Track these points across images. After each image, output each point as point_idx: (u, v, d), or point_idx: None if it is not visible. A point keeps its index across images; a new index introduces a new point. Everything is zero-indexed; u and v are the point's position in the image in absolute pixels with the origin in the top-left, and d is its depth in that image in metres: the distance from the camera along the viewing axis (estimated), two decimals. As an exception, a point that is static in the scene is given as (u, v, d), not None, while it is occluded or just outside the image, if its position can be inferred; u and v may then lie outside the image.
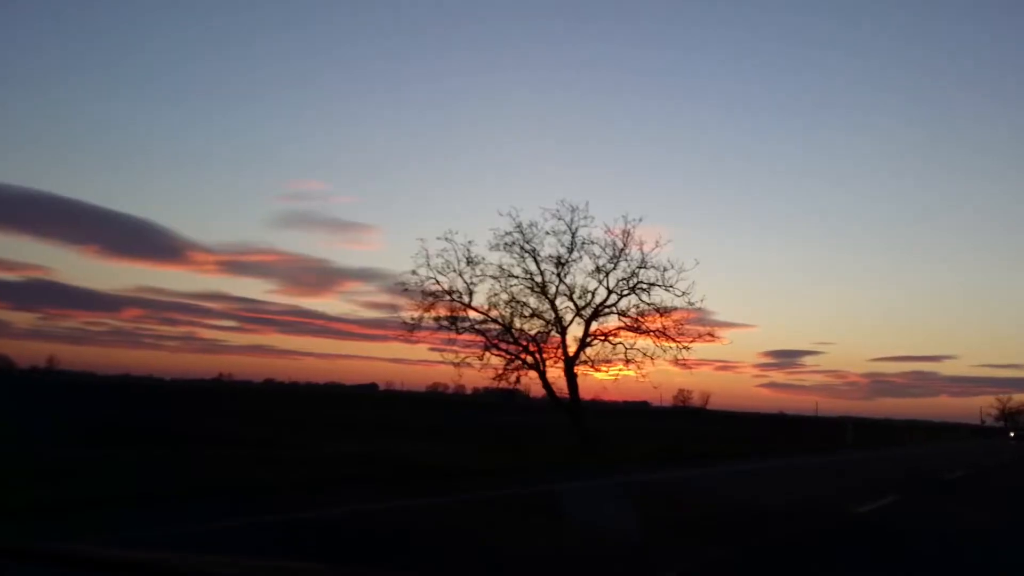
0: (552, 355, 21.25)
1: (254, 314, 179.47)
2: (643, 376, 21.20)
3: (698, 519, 9.24)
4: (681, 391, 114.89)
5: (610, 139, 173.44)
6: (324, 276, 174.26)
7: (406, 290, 20.50)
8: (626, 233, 20.58)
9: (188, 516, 7.61)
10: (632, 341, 21.17)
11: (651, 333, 21.04)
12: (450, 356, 20.73)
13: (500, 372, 21.07)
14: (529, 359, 21.07)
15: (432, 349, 21.53)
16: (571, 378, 21.04)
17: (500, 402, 51.62)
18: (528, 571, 6.07)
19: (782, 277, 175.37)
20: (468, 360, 20.70)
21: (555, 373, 21.17)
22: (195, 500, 8.68)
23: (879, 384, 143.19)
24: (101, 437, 14.76)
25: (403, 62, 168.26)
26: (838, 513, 10.76)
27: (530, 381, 21.43)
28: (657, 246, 20.93)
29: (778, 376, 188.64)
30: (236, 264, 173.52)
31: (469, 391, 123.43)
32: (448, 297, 20.58)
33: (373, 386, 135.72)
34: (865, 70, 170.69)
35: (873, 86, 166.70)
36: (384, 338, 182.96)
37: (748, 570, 6.61)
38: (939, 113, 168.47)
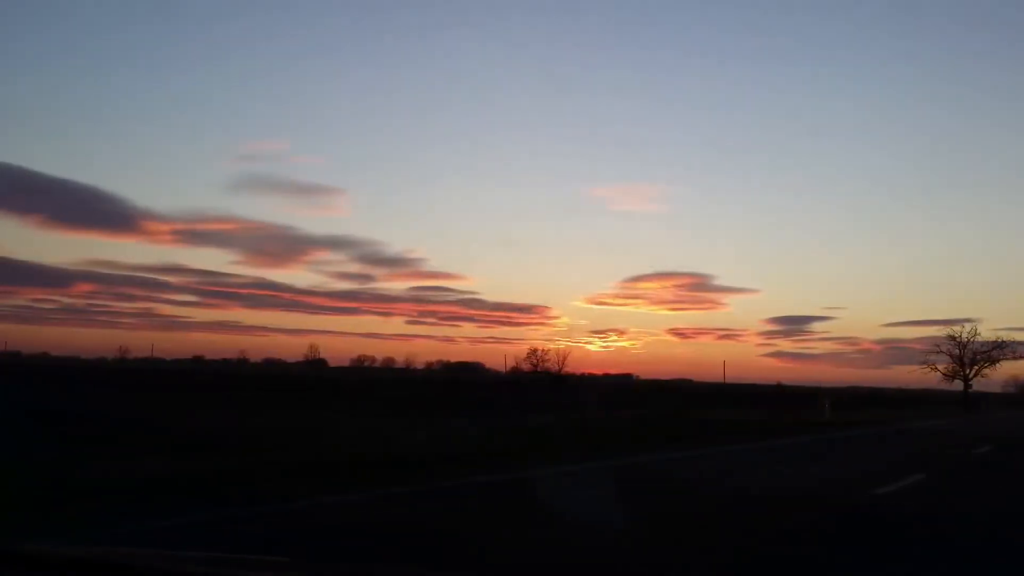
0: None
1: (216, 287, 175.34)
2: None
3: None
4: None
5: (604, 95, 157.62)
6: (289, 245, 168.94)
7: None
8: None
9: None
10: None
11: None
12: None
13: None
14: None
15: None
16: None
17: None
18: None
19: (788, 238, 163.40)
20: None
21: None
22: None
23: (894, 351, 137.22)
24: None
25: (367, 9, 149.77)
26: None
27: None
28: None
29: (785, 344, 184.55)
30: (193, 233, 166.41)
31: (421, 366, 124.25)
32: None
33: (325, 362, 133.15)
34: (875, 11, 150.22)
35: (884, 29, 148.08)
36: (357, 311, 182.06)
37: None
38: (957, 55, 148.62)
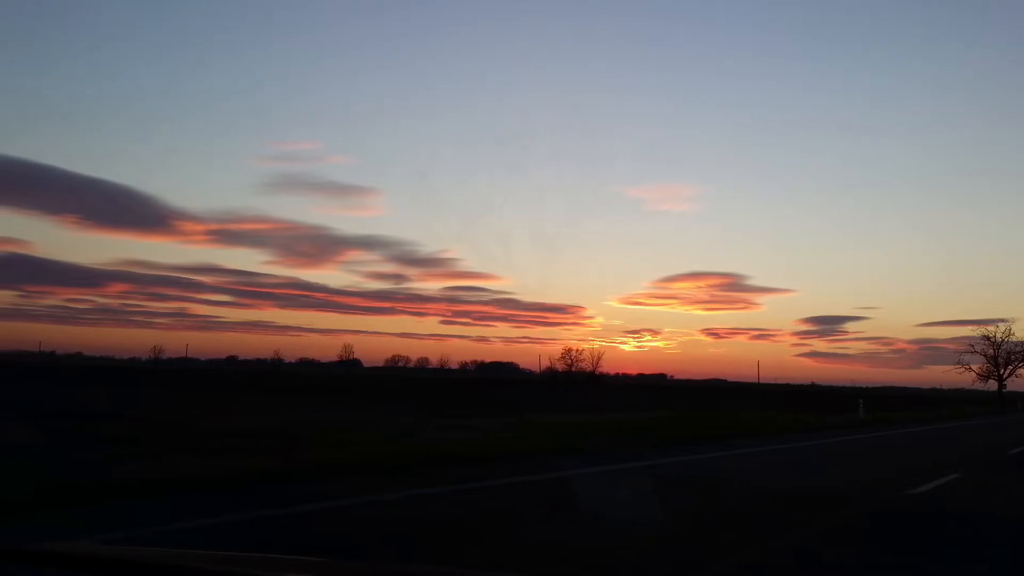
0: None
1: (250, 287, 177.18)
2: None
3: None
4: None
5: (636, 92, 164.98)
6: (323, 245, 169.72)
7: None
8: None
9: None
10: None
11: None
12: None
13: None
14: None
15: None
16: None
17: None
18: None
19: (822, 238, 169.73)
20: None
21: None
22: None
23: (928, 351, 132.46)
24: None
25: (402, 10, 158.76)
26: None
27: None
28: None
29: (819, 344, 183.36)
30: (227, 233, 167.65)
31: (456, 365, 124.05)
32: None
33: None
34: (913, 8, 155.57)
35: (921, 27, 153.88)
36: (391, 311, 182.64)
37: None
38: (993, 54, 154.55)
